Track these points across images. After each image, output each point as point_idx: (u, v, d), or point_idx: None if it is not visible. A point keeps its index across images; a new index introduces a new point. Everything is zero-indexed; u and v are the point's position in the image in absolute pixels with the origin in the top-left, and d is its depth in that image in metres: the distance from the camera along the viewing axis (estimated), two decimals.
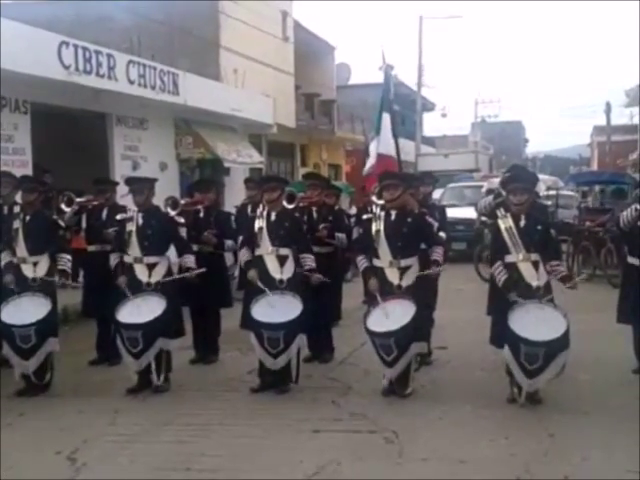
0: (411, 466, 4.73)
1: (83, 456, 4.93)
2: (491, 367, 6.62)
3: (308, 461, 4.76)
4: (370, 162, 8.61)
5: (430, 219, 6.62)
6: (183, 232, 7.05)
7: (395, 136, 8.83)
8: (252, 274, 6.43)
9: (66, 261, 6.67)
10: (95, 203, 7.63)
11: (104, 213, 7.57)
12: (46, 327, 6.35)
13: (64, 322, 8.28)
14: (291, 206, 6.87)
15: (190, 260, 6.68)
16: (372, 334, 6.07)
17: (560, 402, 5.88)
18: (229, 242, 7.51)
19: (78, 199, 7.61)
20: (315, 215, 7.56)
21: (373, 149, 8.55)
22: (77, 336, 8.04)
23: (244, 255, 6.68)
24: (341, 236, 7.56)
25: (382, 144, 8.45)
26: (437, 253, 6.34)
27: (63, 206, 7.45)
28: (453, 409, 5.81)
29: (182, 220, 6.97)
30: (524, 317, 5.72)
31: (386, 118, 8.52)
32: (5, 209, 7.20)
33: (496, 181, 14.09)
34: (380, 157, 8.41)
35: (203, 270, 6.66)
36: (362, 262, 6.40)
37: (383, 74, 9.10)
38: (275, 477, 4.58)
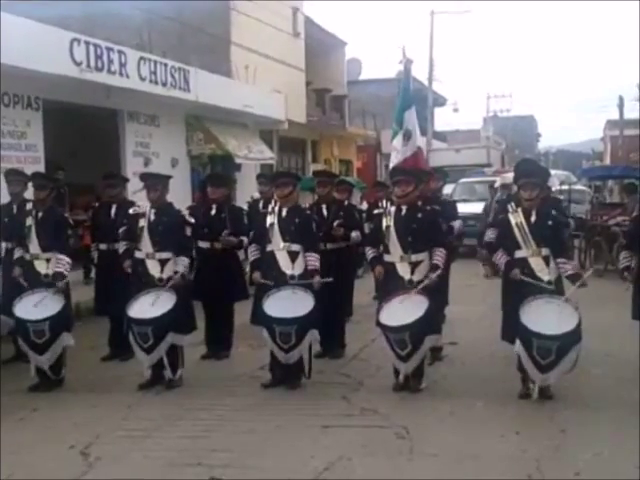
0: (422, 462, 4.73)
1: (96, 451, 4.97)
2: (503, 363, 6.61)
3: (319, 456, 4.78)
4: (397, 157, 8.45)
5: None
6: (189, 231, 6.93)
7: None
8: (256, 276, 6.43)
9: (64, 263, 6.59)
10: None
11: (113, 209, 7.58)
12: (60, 322, 6.39)
13: (76, 318, 8.32)
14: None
15: (182, 264, 6.50)
16: (386, 329, 6.06)
17: (572, 398, 5.87)
18: (246, 240, 7.41)
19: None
20: (325, 212, 7.56)
21: (398, 143, 8.41)
22: (89, 332, 8.08)
23: (253, 253, 6.69)
24: (355, 235, 7.56)
25: (417, 137, 8.34)
26: (438, 257, 6.17)
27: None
28: (464, 405, 5.81)
29: (192, 220, 6.92)
30: (536, 312, 5.73)
31: (413, 111, 8.41)
32: (14, 207, 7.25)
33: (509, 176, 14.03)
34: (419, 150, 8.31)
35: (182, 272, 6.45)
36: (369, 252, 6.41)
37: (403, 68, 8.98)
38: (286, 472, 4.59)
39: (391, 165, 8.58)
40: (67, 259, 6.64)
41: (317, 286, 6.39)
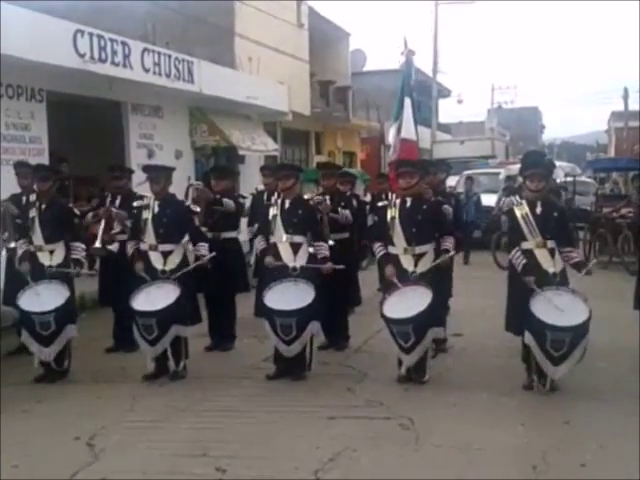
0: (427, 453, 4.73)
1: (101, 442, 4.98)
2: (507, 354, 6.61)
3: (324, 447, 4.78)
4: (392, 149, 8.41)
5: (446, 207, 6.61)
6: (197, 221, 7.04)
7: (415, 122, 8.67)
8: (269, 260, 6.45)
9: (80, 250, 6.68)
10: None
11: (118, 201, 7.57)
12: (65, 314, 6.40)
13: (81, 309, 8.33)
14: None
15: (204, 248, 6.70)
16: (389, 321, 6.07)
17: (576, 389, 5.86)
18: (248, 202, 7.82)
19: None
20: (328, 203, 7.54)
21: (392, 136, 8.35)
22: (94, 323, 8.10)
23: (259, 243, 6.70)
24: (345, 212, 7.54)
25: (404, 128, 8.25)
26: (447, 243, 6.28)
27: None
28: (469, 396, 5.81)
29: (197, 209, 6.97)
30: (546, 304, 5.70)
31: (407, 102, 8.33)
32: (24, 199, 7.25)
33: (514, 168, 14.01)
34: (403, 141, 8.23)
35: (213, 254, 6.67)
36: (379, 250, 6.39)
37: (405, 59, 8.93)
38: (291, 463, 4.59)
39: (389, 160, 8.56)
40: (82, 246, 6.71)
41: (327, 271, 6.41)
